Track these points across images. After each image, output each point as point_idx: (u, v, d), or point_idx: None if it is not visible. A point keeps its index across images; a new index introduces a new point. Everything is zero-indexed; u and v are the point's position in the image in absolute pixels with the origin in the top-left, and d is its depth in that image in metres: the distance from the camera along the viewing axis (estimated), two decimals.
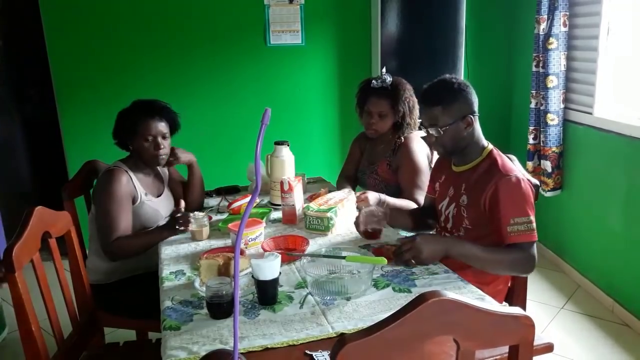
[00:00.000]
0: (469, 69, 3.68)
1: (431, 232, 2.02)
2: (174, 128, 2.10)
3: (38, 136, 4.41)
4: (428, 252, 1.61)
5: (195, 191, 2.26)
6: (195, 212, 2.01)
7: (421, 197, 2.18)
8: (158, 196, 2.13)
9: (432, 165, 2.23)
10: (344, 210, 1.98)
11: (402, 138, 2.33)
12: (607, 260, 2.88)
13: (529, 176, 1.78)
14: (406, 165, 2.29)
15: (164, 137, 2.03)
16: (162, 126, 2.03)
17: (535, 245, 1.63)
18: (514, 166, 1.73)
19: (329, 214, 1.90)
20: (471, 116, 1.71)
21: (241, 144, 3.51)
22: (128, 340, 2.03)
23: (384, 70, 2.34)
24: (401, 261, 1.63)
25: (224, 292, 1.34)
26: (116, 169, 1.97)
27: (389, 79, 2.28)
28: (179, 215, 1.91)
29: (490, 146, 1.78)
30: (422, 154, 2.32)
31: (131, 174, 2.01)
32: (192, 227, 1.92)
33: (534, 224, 1.63)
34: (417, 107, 2.32)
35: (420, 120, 2.15)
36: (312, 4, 3.49)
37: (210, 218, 2.05)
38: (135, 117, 2.01)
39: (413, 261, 1.62)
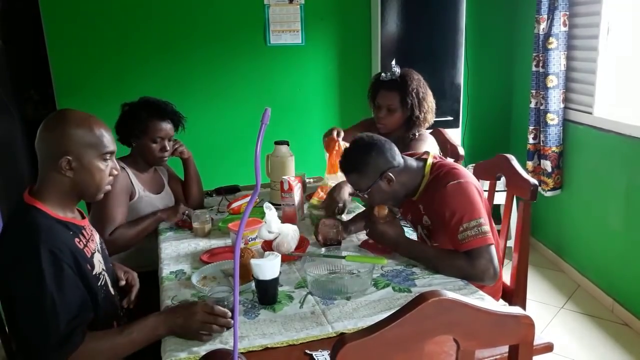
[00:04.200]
0: (469, 68, 3.68)
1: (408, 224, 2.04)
2: (176, 130, 2.15)
3: None
4: (380, 234, 1.67)
5: (194, 187, 2.28)
6: (197, 210, 2.07)
7: None
8: (157, 194, 2.15)
9: None
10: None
11: (416, 134, 2.25)
12: (607, 259, 2.88)
13: (474, 180, 1.67)
14: None
15: (169, 140, 2.10)
16: (170, 129, 2.08)
17: (491, 249, 1.53)
18: (459, 170, 1.65)
19: None
20: (389, 172, 1.66)
21: (241, 144, 3.51)
22: None
23: (393, 62, 2.24)
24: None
25: (225, 303, 1.31)
26: None
27: (398, 71, 2.20)
28: (186, 212, 2.06)
29: (430, 160, 1.72)
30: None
31: (129, 170, 2.04)
32: (195, 224, 1.96)
33: (486, 227, 1.54)
34: (429, 98, 2.24)
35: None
36: (312, 4, 3.49)
37: (212, 219, 2.06)
38: (146, 117, 2.03)
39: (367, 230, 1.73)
